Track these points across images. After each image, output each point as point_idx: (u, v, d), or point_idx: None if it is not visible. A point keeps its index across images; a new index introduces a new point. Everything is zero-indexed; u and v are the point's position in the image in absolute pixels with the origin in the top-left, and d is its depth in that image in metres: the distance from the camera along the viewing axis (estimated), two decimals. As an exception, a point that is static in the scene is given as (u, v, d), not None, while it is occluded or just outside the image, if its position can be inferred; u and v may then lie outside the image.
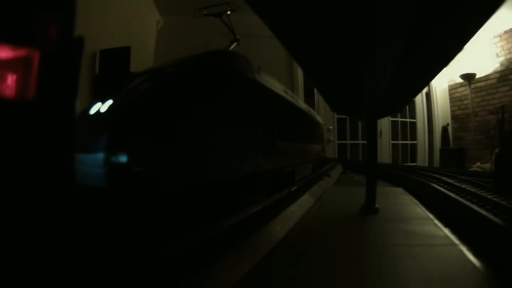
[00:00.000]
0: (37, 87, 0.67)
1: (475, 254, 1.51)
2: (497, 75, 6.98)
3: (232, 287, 1.20)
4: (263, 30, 1.59)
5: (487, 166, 4.53)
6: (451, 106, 8.37)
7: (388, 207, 2.67)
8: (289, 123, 3.54)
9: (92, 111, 1.80)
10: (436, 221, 2.18)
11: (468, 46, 1.78)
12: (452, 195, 2.67)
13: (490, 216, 1.81)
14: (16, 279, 0.62)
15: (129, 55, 4.82)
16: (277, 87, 3.12)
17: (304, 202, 2.73)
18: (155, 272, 1.05)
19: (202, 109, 1.87)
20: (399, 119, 8.67)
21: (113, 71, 4.57)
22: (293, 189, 2.83)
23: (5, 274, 0.61)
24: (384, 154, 8.33)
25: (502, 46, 6.89)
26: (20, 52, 0.66)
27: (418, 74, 2.11)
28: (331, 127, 8.40)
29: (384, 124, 8.32)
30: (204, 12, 3.76)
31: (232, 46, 3.53)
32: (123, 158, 1.50)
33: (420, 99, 8.65)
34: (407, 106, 8.33)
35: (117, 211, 1.45)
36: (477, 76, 7.37)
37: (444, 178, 3.76)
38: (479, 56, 7.13)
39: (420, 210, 2.61)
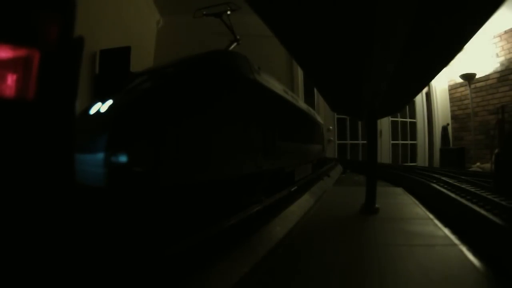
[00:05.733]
0: (37, 87, 0.67)
1: (475, 254, 1.51)
2: (497, 75, 6.98)
3: (232, 287, 1.20)
4: (263, 30, 1.59)
5: (487, 166, 4.53)
6: (451, 106, 8.37)
7: (388, 207, 2.67)
8: (289, 123, 3.54)
9: (92, 111, 1.80)
10: (436, 221, 2.18)
11: (468, 46, 1.78)
12: (452, 195, 2.67)
13: (490, 216, 1.81)
14: (16, 279, 0.62)
15: (129, 55, 4.81)
16: (277, 87, 3.12)
17: (304, 202, 2.73)
18: (155, 272, 1.05)
19: (202, 109, 1.87)
20: (399, 119, 8.66)
21: (113, 71, 4.56)
22: (293, 189, 2.83)
23: (5, 274, 0.61)
24: (384, 154, 8.33)
25: (502, 46, 6.89)
26: (20, 52, 0.66)
27: (418, 74, 2.11)
28: (331, 127, 8.39)
29: (384, 124, 8.31)
30: (204, 12, 3.76)
31: (232, 46, 3.53)
32: (123, 158, 1.50)
33: (420, 99, 8.65)
34: (407, 106, 8.33)
35: (118, 211, 1.45)
36: (477, 76, 7.37)
37: (444, 178, 3.76)
38: (479, 56, 7.13)
39: (420, 210, 2.61)
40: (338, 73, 2.14)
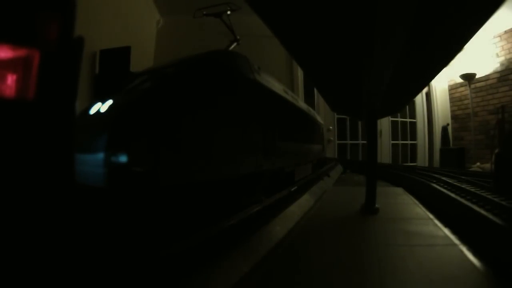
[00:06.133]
0: (37, 87, 0.67)
1: (475, 254, 1.51)
2: (497, 75, 6.98)
3: (232, 287, 1.20)
4: (263, 30, 1.59)
5: (487, 166, 4.53)
6: (451, 106, 8.37)
7: (388, 207, 2.67)
8: (289, 123, 3.54)
9: (92, 111, 1.80)
10: (436, 221, 2.18)
11: (468, 46, 1.78)
12: (452, 195, 2.67)
13: (490, 216, 1.81)
14: (16, 279, 0.62)
15: (129, 55, 4.81)
16: (277, 87, 3.12)
17: (304, 202, 2.73)
18: (155, 272, 1.05)
19: (202, 109, 1.87)
20: (399, 119, 8.67)
21: (113, 71, 4.56)
22: (293, 189, 2.83)
23: (5, 274, 0.61)
24: (384, 154, 8.33)
25: (502, 46, 6.89)
26: (20, 52, 0.66)
27: (418, 74, 2.11)
28: (331, 127, 8.40)
29: (384, 124, 8.32)
30: (204, 12, 3.76)
31: (232, 46, 3.53)
32: (123, 158, 1.49)
33: (420, 99, 8.65)
34: (407, 106, 8.34)
35: (117, 211, 1.45)
36: (477, 76, 7.37)
37: (444, 178, 3.76)
38: (479, 56, 7.13)
39: (420, 210, 2.61)
40: (338, 73, 2.14)
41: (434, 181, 3.74)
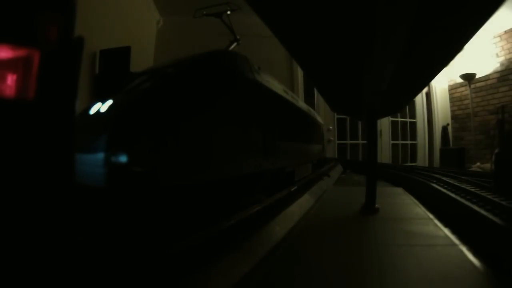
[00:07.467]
0: (37, 87, 0.67)
1: (475, 254, 1.51)
2: (497, 75, 6.98)
3: (232, 287, 1.20)
4: (263, 30, 1.59)
5: (487, 166, 4.53)
6: (451, 106, 8.37)
7: (388, 207, 2.67)
8: (289, 123, 3.54)
9: (92, 111, 1.80)
10: (436, 221, 2.18)
11: (468, 46, 1.78)
12: (452, 195, 2.67)
13: (490, 216, 1.81)
14: (16, 279, 0.62)
15: (129, 55, 4.82)
16: (277, 87, 3.12)
17: (304, 202, 2.73)
18: (155, 272, 1.05)
19: (202, 109, 1.87)
20: (399, 119, 8.67)
21: (113, 71, 4.57)
22: (293, 189, 2.83)
23: (5, 274, 0.61)
24: (384, 154, 8.33)
25: (502, 46, 6.89)
26: (20, 52, 0.66)
27: (418, 74, 2.11)
28: (331, 127, 8.39)
29: (384, 124, 8.31)
30: (204, 12, 3.77)
31: (232, 46, 3.53)
32: (123, 158, 1.50)
33: (420, 99, 8.65)
34: (407, 106, 8.34)
35: (118, 211, 1.45)
36: (477, 76, 7.37)
37: (444, 178, 3.76)
38: (479, 56, 7.13)
39: (420, 210, 2.61)
40: (338, 73, 2.14)
41: (434, 181, 3.74)
